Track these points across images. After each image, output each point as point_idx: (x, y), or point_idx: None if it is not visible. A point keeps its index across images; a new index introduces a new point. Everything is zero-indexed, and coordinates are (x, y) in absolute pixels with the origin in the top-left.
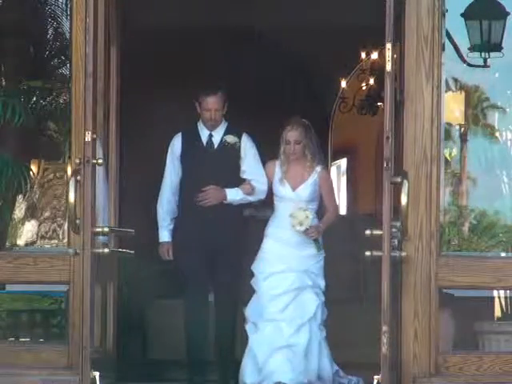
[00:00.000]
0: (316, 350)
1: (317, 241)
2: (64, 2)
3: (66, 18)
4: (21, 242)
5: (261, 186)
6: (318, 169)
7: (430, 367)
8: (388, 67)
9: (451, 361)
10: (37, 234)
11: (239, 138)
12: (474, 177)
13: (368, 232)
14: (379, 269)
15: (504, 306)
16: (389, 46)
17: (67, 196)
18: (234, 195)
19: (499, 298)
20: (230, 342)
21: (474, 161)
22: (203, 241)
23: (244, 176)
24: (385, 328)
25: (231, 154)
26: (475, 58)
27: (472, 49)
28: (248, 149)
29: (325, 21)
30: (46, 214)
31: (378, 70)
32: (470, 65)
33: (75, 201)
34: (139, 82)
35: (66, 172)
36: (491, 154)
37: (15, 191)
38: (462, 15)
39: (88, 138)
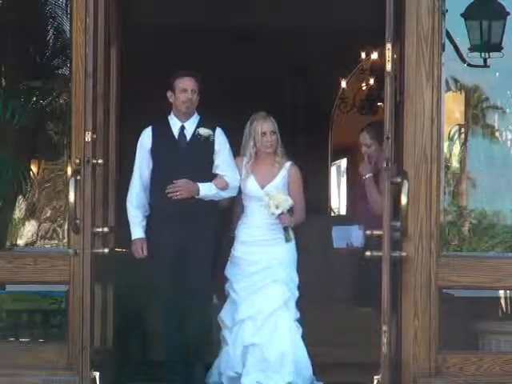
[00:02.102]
0: (287, 345)
1: (287, 230)
2: (64, 1)
3: (67, 18)
4: (21, 242)
5: (234, 182)
6: (288, 164)
7: (430, 367)
8: (388, 67)
9: (451, 361)
10: (37, 234)
11: (213, 131)
12: (473, 177)
13: (368, 232)
14: (379, 269)
15: (504, 306)
16: (389, 46)
17: (67, 196)
18: (206, 190)
19: (499, 298)
20: (202, 343)
21: (473, 161)
22: (175, 239)
23: (217, 171)
24: (385, 328)
25: (204, 148)
26: (475, 58)
27: (472, 49)
28: (222, 143)
29: (325, 21)
30: (46, 214)
31: (377, 70)
32: (469, 65)
33: (75, 201)
34: (139, 82)
35: (65, 172)
36: (491, 154)
37: (15, 191)
38: (462, 15)
39: (88, 138)
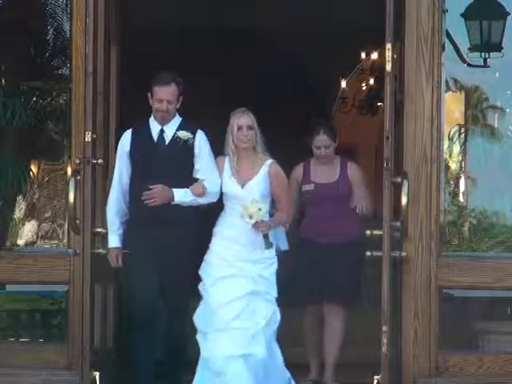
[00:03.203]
0: (270, 359)
1: (266, 237)
2: (64, 1)
3: (67, 18)
4: (21, 242)
5: (214, 187)
6: (268, 162)
7: (430, 367)
8: (388, 67)
9: (451, 361)
10: (37, 234)
11: (193, 134)
12: (473, 177)
13: (368, 232)
14: (380, 269)
15: (504, 306)
16: (389, 46)
17: (67, 196)
18: (182, 196)
19: (499, 298)
20: (181, 343)
21: (473, 161)
22: (152, 244)
23: (197, 175)
24: (385, 328)
25: (184, 151)
26: (475, 58)
27: (472, 49)
28: (202, 146)
29: (325, 21)
30: (46, 214)
31: (377, 70)
32: (469, 65)
33: (75, 201)
34: (139, 82)
35: (66, 172)
36: (491, 154)
37: (15, 191)
38: (462, 15)
39: (88, 138)
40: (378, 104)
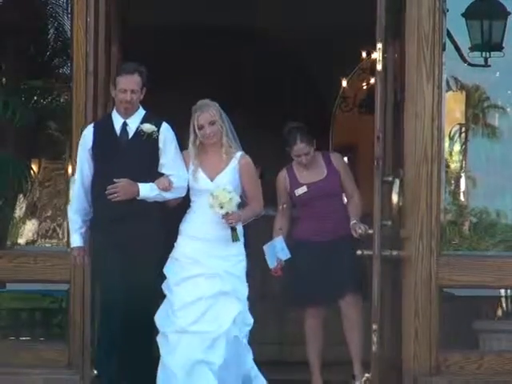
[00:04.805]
0: (234, 365)
1: (234, 229)
2: (65, 1)
3: (67, 17)
4: (21, 240)
5: (181, 181)
6: (238, 155)
7: (431, 366)
8: (379, 67)
9: (452, 360)
10: (37, 233)
11: (158, 127)
12: (474, 176)
13: (360, 231)
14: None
15: (504, 305)
16: (379, 45)
17: (68, 195)
18: (147, 191)
19: (500, 296)
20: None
21: (474, 160)
22: (116, 241)
23: (163, 170)
24: (374, 327)
25: (148, 145)
26: (476, 57)
27: (473, 48)
28: (168, 140)
29: (326, 22)
30: (47, 213)
31: None
32: (470, 64)
33: None
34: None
35: (66, 171)
36: (491, 154)
37: (16, 190)
38: (463, 15)
39: None
40: None
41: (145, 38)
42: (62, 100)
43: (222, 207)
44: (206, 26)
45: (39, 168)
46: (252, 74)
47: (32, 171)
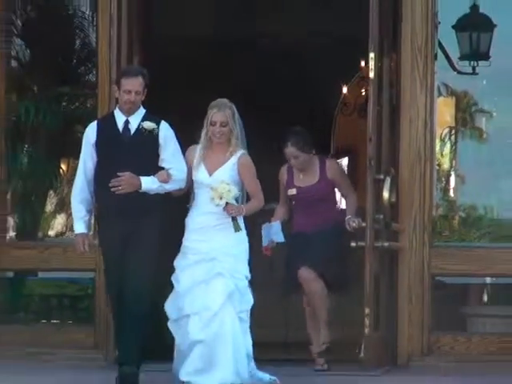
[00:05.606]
0: (230, 341)
1: (235, 219)
2: (90, 14)
3: (92, 30)
4: (51, 233)
5: (180, 174)
6: (238, 154)
7: (423, 347)
8: (371, 74)
9: (442, 341)
10: (66, 226)
11: (157, 125)
12: (463, 175)
13: (354, 224)
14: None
15: (490, 292)
16: (372, 55)
17: None
18: (149, 184)
19: (485, 284)
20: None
21: (463, 160)
22: (118, 234)
23: (163, 164)
24: (367, 311)
25: (149, 141)
26: (465, 66)
27: (462, 58)
28: (167, 136)
29: (329, 33)
30: None
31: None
32: (459, 72)
33: None
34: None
35: None
36: (479, 154)
37: (46, 187)
38: (453, 27)
39: None
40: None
41: (165, 48)
42: (87, 105)
43: (221, 198)
44: (219, 36)
45: (68, 167)
46: (265, 80)
47: (61, 170)
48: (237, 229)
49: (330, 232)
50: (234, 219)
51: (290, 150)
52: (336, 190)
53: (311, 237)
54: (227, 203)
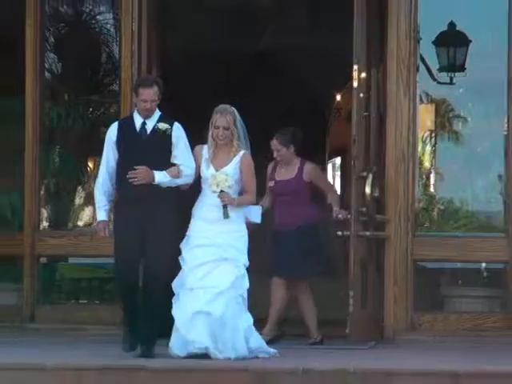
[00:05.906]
0: (230, 321)
1: (226, 207)
2: (114, 31)
3: (116, 45)
4: (80, 223)
5: (189, 170)
6: (241, 153)
7: (407, 324)
8: (355, 84)
9: (423, 319)
10: (93, 217)
11: (171, 126)
12: (441, 172)
13: (340, 216)
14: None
15: (465, 275)
16: (355, 67)
17: None
18: (161, 177)
19: (462, 268)
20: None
21: (442, 159)
22: (136, 220)
23: (175, 161)
24: (351, 293)
25: (162, 140)
26: (443, 76)
27: (441, 69)
28: (180, 136)
29: (323, 47)
30: None
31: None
32: (439, 82)
33: None
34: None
35: None
36: (456, 154)
37: (76, 182)
38: (433, 42)
39: None
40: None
41: (180, 63)
42: (111, 111)
43: (217, 185)
44: (225, 52)
45: (94, 164)
46: (269, 89)
47: (88, 167)
48: (225, 216)
49: (304, 227)
50: (225, 207)
51: (274, 142)
52: (311, 189)
53: (283, 239)
54: (222, 191)
